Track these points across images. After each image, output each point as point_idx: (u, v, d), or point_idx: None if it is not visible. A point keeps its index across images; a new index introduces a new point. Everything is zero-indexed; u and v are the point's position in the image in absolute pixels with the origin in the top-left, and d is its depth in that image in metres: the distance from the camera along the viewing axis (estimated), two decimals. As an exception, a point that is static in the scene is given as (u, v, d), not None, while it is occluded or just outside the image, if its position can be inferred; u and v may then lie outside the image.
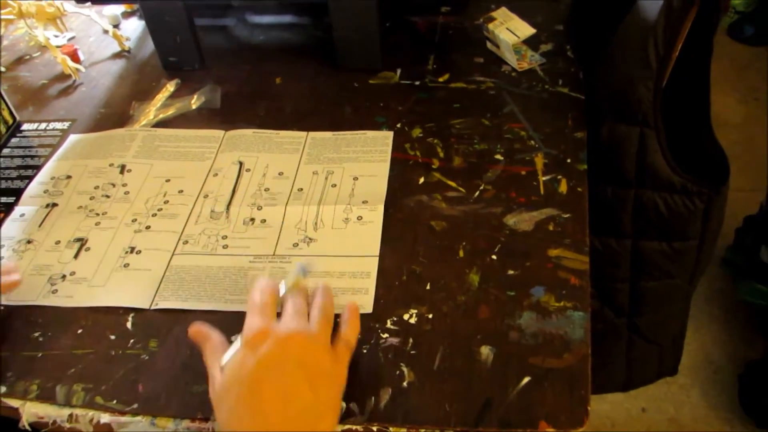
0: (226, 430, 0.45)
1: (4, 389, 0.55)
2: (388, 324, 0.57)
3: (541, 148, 0.73)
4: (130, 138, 0.79)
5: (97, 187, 0.73)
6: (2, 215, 0.73)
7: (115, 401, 0.54)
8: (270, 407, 0.44)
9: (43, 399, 0.55)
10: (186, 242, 0.66)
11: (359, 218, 0.66)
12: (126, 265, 0.64)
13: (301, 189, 0.70)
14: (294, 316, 0.49)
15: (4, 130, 0.83)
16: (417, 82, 0.85)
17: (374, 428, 0.51)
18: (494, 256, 0.62)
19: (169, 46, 0.90)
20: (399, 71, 0.87)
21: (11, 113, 0.84)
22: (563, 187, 0.68)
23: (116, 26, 1.02)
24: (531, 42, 0.87)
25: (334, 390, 0.48)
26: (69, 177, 0.74)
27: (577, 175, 0.69)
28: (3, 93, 0.82)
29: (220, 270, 0.62)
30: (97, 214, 0.69)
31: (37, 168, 0.78)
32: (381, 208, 0.67)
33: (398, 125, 0.79)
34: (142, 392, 0.54)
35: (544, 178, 0.70)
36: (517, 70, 0.85)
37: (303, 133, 0.78)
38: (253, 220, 0.67)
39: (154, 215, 0.69)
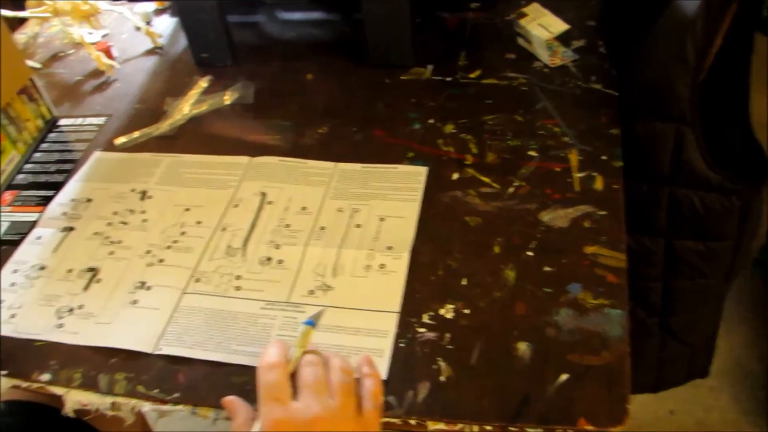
0: None
1: (48, 377, 0.56)
2: (425, 319, 0.58)
3: (575, 145, 0.73)
4: (155, 163, 0.77)
5: (115, 213, 0.71)
6: (42, 209, 0.74)
7: (156, 390, 0.55)
8: None
9: (86, 387, 0.56)
10: (198, 280, 0.63)
11: (382, 266, 0.62)
12: (134, 302, 0.61)
13: (324, 228, 0.66)
14: (313, 393, 0.45)
15: (42, 125, 0.84)
16: (448, 78, 0.85)
17: (412, 422, 0.51)
18: (530, 253, 0.62)
19: (202, 43, 0.91)
20: (430, 67, 0.87)
21: (49, 109, 0.86)
22: (599, 184, 0.68)
23: (148, 23, 1.03)
24: (563, 38, 0.86)
25: None
26: (89, 200, 0.73)
27: (612, 172, 0.69)
28: (41, 89, 0.84)
29: (230, 315, 0.59)
30: (112, 242, 0.68)
31: (74, 163, 0.79)
32: (406, 256, 0.62)
33: (430, 121, 0.79)
34: (183, 382, 0.55)
35: (578, 175, 0.69)
36: (549, 66, 0.84)
37: (331, 165, 0.74)
38: (270, 259, 0.64)
39: (169, 247, 0.66)
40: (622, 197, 0.66)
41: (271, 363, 0.47)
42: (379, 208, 0.68)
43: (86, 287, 0.63)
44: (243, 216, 0.69)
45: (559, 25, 0.83)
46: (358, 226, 0.66)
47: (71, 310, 0.61)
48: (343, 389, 0.46)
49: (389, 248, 0.64)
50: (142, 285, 0.63)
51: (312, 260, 0.63)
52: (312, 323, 0.52)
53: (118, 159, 0.78)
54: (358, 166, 0.73)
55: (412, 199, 0.69)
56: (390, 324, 0.57)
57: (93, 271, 0.65)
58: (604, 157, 0.71)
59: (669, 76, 0.68)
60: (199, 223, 0.69)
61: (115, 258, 0.66)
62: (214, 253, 0.65)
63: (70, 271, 0.65)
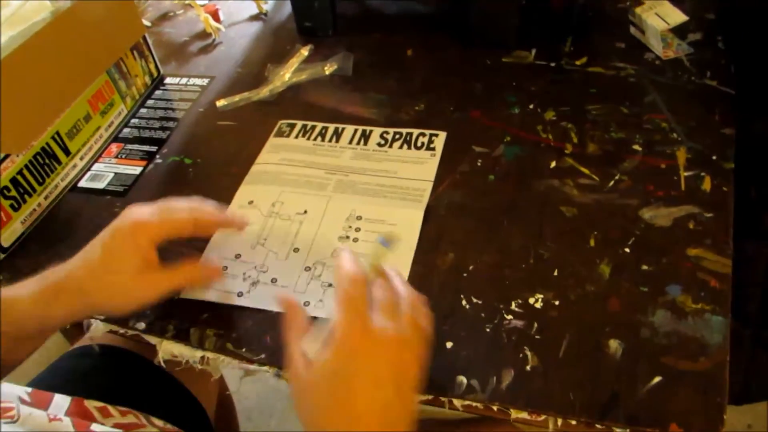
0: (313, 430, 0.44)
1: (143, 326, 0.59)
2: (513, 306, 0.57)
3: (683, 142, 0.69)
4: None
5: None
6: (144, 163, 0.77)
7: (243, 349, 0.56)
8: (365, 419, 0.43)
9: (178, 339, 0.58)
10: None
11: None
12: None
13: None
14: (388, 316, 0.46)
15: (149, 82, 0.88)
16: (552, 64, 0.83)
17: (495, 407, 0.51)
18: (627, 249, 0.60)
19: (306, 12, 0.91)
20: (534, 51, 0.85)
21: (156, 66, 0.89)
22: (707, 185, 0.65)
23: (254, -11, 1.04)
24: (678, 30, 0.82)
25: (414, 395, 0.46)
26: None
27: (722, 174, 0.65)
28: (151, 46, 0.87)
29: None
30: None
31: (177, 121, 0.82)
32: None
33: (530, 106, 0.77)
34: (270, 344, 0.56)
35: (685, 174, 0.66)
36: (661, 58, 0.80)
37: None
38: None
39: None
40: (731, 200, 0.63)
41: (353, 275, 0.48)
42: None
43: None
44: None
45: (677, 16, 0.79)
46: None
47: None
48: (411, 321, 0.47)
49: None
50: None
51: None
52: (387, 244, 0.52)
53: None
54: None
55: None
56: None
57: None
58: (714, 157, 0.67)
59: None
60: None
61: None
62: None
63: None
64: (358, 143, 0.75)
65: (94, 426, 0.46)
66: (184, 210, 0.57)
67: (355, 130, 0.77)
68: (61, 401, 0.51)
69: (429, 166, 0.71)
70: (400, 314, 0.47)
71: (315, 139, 0.76)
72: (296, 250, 0.64)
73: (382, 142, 0.75)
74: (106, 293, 0.53)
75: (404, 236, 0.63)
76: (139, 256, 0.53)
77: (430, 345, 0.48)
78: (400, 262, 0.61)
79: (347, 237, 0.64)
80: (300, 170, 0.72)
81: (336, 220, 0.66)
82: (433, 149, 0.73)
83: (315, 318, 0.52)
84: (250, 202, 0.69)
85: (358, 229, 0.65)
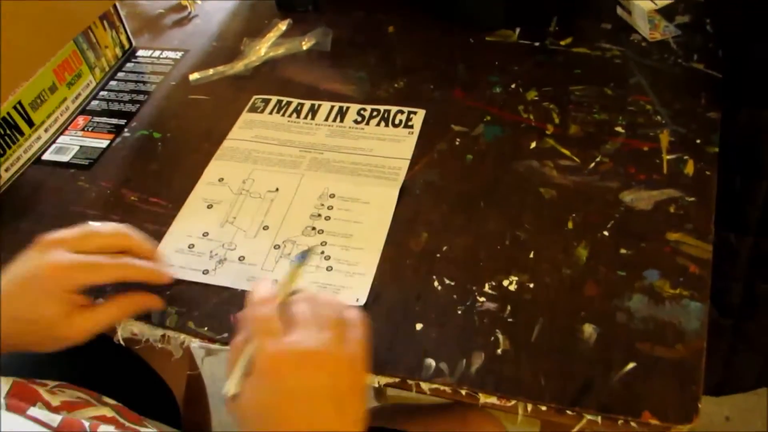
0: None
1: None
2: (486, 288, 0.55)
3: (667, 125, 0.67)
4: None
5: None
6: (112, 136, 0.74)
7: (206, 328, 0.54)
8: None
9: (139, 317, 0.55)
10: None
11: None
12: None
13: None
14: (304, 328, 0.43)
15: (120, 54, 0.85)
16: (536, 44, 0.80)
17: (463, 392, 0.49)
18: (606, 233, 0.58)
19: (286, -15, 0.88)
20: (518, 30, 0.82)
21: (128, 38, 0.86)
22: (689, 169, 0.63)
23: (234, -37, 1.01)
24: (666, 12, 0.80)
25: (357, 400, 0.43)
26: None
27: (706, 158, 0.64)
28: (122, 17, 0.84)
29: None
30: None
31: (148, 95, 0.79)
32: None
33: (513, 86, 0.74)
34: (234, 323, 0.54)
35: (668, 157, 0.64)
36: (648, 40, 0.78)
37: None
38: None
39: None
40: (714, 185, 0.61)
41: (260, 298, 0.46)
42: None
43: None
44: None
45: (664, -3, 0.77)
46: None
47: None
48: (332, 323, 0.44)
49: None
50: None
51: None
52: (301, 259, 0.50)
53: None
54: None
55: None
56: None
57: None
58: (698, 141, 0.65)
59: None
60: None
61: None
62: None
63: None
64: (335, 120, 0.73)
65: (31, 410, 0.43)
66: (109, 247, 0.53)
67: (332, 107, 0.74)
68: (3, 384, 0.48)
69: (406, 144, 0.69)
70: (319, 321, 0.44)
71: (290, 115, 0.74)
72: (266, 227, 0.62)
73: (359, 119, 0.72)
74: (28, 339, 0.50)
75: (377, 216, 0.61)
76: (62, 303, 0.49)
77: (366, 348, 0.45)
78: (372, 242, 0.59)
79: (319, 215, 0.62)
80: (273, 148, 0.70)
81: (308, 198, 0.64)
82: (411, 127, 0.71)
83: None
84: (220, 180, 0.67)
85: (330, 207, 0.63)
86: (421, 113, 0.72)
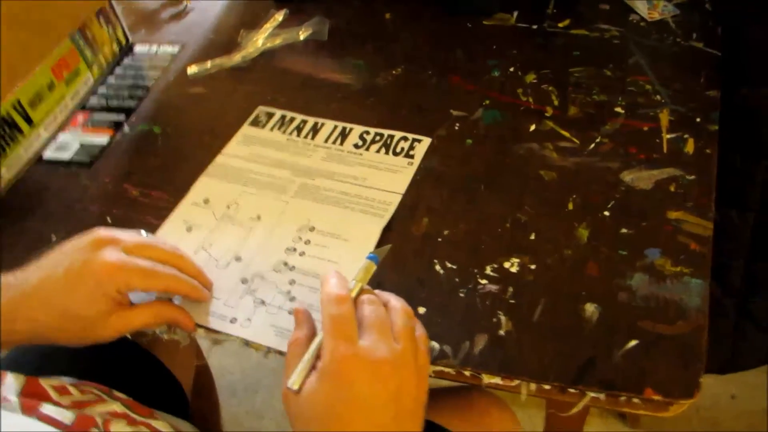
0: None
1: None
2: (488, 270, 0.55)
3: (667, 104, 0.67)
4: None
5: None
6: (112, 132, 0.74)
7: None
8: None
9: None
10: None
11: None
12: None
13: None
14: (378, 334, 0.43)
15: (117, 50, 0.85)
16: (534, 26, 0.80)
17: (467, 373, 0.49)
18: (607, 213, 0.58)
19: (281, -24, 0.88)
20: (516, 13, 0.82)
21: (125, 34, 0.86)
22: (690, 147, 0.63)
23: (229, -45, 1.01)
24: (664, -9, 0.80)
25: (418, 416, 0.43)
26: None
27: (706, 136, 0.63)
28: (119, 14, 0.84)
29: None
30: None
31: (147, 90, 0.79)
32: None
33: (511, 69, 0.74)
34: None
35: (668, 136, 0.64)
36: (646, 20, 0.78)
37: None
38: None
39: None
40: (714, 163, 0.61)
41: (338, 296, 0.45)
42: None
43: None
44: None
45: (662, -25, 0.77)
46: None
47: None
48: (406, 334, 0.44)
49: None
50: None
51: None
52: (375, 259, 0.49)
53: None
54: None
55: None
56: None
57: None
58: (698, 119, 0.65)
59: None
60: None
61: None
62: None
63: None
64: (334, 142, 0.69)
65: (44, 407, 0.44)
66: (163, 261, 0.51)
67: (335, 127, 0.71)
68: (12, 381, 0.49)
69: (402, 177, 0.65)
70: (393, 330, 0.44)
71: (291, 133, 0.71)
72: (238, 259, 0.59)
73: (360, 143, 0.69)
74: (65, 334, 0.49)
75: (354, 256, 0.57)
76: (110, 302, 0.48)
77: (430, 356, 0.46)
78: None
79: (294, 249, 0.59)
80: (266, 169, 0.67)
81: (288, 230, 0.61)
82: (412, 157, 0.66)
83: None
84: (206, 201, 0.64)
85: (307, 242, 0.59)
86: (426, 141, 0.68)
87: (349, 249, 0.58)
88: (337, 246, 0.59)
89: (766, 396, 1.23)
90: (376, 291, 0.48)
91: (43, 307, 0.48)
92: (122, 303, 0.49)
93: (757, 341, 0.87)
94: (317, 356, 0.43)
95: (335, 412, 0.41)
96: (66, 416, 0.43)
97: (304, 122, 0.72)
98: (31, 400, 0.45)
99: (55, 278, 0.48)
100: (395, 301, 0.47)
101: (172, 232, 0.62)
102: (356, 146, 0.69)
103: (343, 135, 0.70)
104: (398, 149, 0.68)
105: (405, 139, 0.69)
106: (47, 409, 0.44)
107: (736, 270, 0.78)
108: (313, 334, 0.46)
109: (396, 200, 0.62)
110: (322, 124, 0.72)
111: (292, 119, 0.73)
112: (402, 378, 0.42)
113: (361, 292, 0.47)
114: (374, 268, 0.49)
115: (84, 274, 0.48)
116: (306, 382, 0.42)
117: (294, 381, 0.42)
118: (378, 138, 0.69)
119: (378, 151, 0.68)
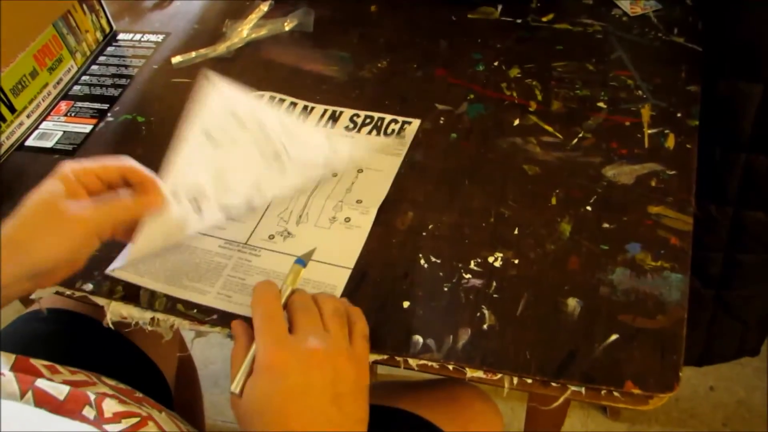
0: None
1: (91, 287, 0.57)
2: (472, 265, 0.55)
3: (648, 99, 0.68)
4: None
5: None
6: (95, 121, 0.74)
7: (194, 310, 0.54)
8: None
9: (128, 301, 0.56)
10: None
11: (347, 220, 0.59)
12: None
13: None
14: (308, 326, 0.45)
15: (101, 38, 0.84)
16: (518, 20, 0.80)
17: (450, 367, 0.50)
18: (589, 207, 0.59)
19: (266, -35, 0.88)
20: (500, 7, 0.82)
21: (108, 22, 0.85)
22: (670, 142, 0.63)
23: (213, -57, 1.00)
24: (647, -14, 0.81)
25: (360, 399, 0.45)
26: None
27: (686, 131, 0.64)
28: (102, 1, 0.83)
29: (188, 249, 0.58)
30: None
31: (130, 78, 0.79)
32: (374, 211, 0.60)
33: (495, 63, 0.75)
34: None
35: (649, 131, 0.65)
36: (629, 14, 0.79)
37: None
38: None
39: None
40: (695, 158, 0.62)
41: (265, 296, 0.46)
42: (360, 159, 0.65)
43: None
44: None
45: (645, -29, 0.77)
46: (334, 175, 0.64)
47: None
48: (335, 322, 0.46)
49: (359, 201, 0.61)
50: None
51: (279, 206, 0.62)
52: (303, 263, 0.51)
53: None
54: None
55: (397, 153, 0.66)
56: (341, 280, 0.55)
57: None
58: (679, 115, 0.66)
59: (764, 35, 0.63)
60: None
61: None
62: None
63: None
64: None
65: (39, 381, 0.44)
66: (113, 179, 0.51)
67: (325, 110, 0.71)
68: (4, 358, 0.49)
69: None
70: (323, 320, 0.45)
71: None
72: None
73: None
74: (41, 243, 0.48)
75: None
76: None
77: (368, 342, 0.47)
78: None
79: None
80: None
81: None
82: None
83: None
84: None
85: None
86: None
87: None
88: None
89: (743, 388, 1.26)
90: (310, 293, 0.49)
91: (20, 226, 0.48)
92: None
93: (734, 333, 0.89)
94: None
95: (273, 405, 0.42)
96: (60, 390, 0.44)
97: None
98: (25, 376, 0.45)
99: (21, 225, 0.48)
100: (325, 296, 0.48)
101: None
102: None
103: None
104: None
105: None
106: (41, 383, 0.44)
107: (714, 262, 0.80)
108: (251, 343, 0.46)
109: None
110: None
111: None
112: (336, 363, 0.44)
113: (292, 294, 0.48)
114: (302, 271, 0.50)
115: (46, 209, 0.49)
116: (246, 385, 0.44)
117: (235, 385, 0.44)
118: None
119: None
